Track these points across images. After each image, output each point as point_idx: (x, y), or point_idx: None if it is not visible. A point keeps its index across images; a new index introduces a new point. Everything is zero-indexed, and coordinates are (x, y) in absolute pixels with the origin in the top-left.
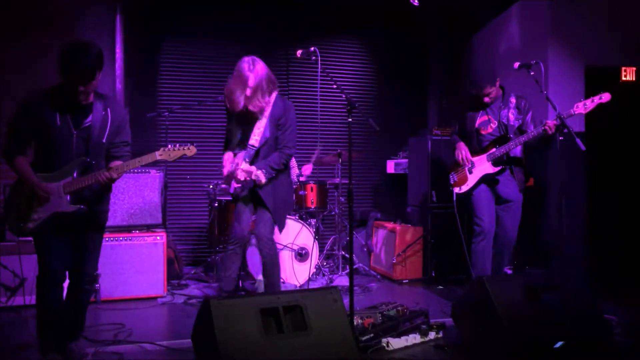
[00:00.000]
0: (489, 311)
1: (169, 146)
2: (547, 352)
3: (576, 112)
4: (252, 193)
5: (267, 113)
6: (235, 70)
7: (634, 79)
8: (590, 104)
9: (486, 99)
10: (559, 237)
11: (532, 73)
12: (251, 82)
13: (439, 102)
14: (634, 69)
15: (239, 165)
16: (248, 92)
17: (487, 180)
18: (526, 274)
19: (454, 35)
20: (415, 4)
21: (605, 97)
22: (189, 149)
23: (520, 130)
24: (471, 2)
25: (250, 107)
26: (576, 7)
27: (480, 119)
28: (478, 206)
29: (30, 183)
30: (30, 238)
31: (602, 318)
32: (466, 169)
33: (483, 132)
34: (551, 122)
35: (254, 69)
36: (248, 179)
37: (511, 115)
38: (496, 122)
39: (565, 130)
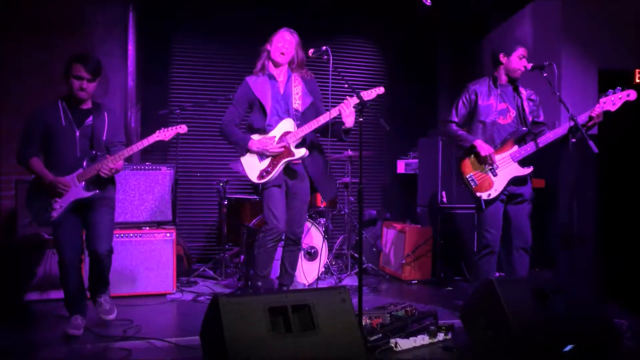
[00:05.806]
0: (498, 313)
1: (162, 128)
2: (556, 355)
3: (604, 109)
4: (290, 171)
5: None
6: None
7: None
8: (618, 101)
9: (519, 64)
10: (570, 239)
11: (545, 74)
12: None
13: (449, 102)
14: None
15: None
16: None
17: (514, 183)
18: (535, 277)
19: (464, 37)
20: (428, 4)
21: (632, 94)
22: (180, 127)
23: (535, 124)
24: (481, 4)
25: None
26: (589, 9)
27: (499, 105)
28: (490, 216)
29: (48, 180)
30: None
31: (612, 322)
32: (489, 171)
33: (502, 122)
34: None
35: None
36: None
37: (526, 107)
38: (515, 112)
39: (579, 135)
